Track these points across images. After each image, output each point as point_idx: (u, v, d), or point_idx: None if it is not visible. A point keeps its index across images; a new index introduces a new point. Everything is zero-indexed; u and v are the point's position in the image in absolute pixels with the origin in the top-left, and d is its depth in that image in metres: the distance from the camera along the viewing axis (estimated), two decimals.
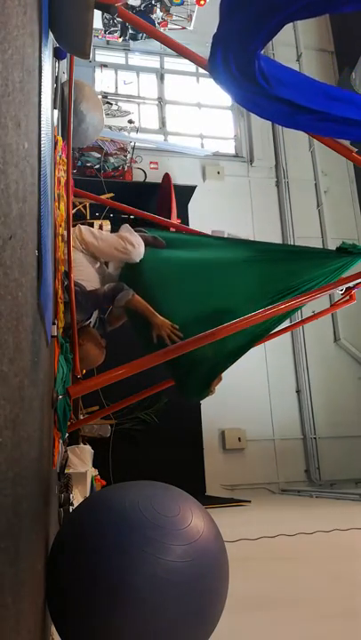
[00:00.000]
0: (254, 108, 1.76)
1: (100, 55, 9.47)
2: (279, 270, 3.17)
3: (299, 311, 7.64)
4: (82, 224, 3.72)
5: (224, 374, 3.17)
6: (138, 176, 8.29)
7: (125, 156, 8.00)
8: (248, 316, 2.93)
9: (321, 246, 8.82)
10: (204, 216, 8.34)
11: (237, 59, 1.47)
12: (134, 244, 2.98)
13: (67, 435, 3.18)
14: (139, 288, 3.02)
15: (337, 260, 3.15)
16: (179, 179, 8.15)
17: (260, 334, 3.12)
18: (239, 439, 8.08)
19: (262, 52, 1.54)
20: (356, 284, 3.28)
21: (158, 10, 7.99)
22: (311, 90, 1.69)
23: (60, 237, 2.63)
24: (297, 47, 10.29)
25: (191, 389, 3.21)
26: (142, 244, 3.05)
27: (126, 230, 3.11)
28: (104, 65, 9.41)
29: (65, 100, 3.22)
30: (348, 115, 1.69)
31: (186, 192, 8.11)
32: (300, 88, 1.66)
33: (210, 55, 1.52)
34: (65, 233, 2.75)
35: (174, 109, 9.95)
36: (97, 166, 7.81)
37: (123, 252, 3.00)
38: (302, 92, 1.65)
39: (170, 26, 8.25)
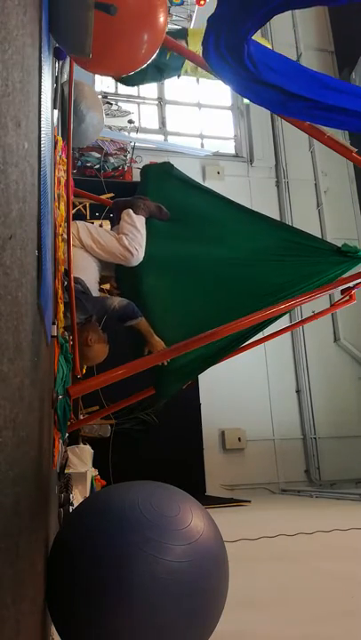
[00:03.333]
0: (247, 94, 1.77)
1: None
2: (275, 277, 3.15)
3: (299, 311, 7.68)
4: None
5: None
6: (138, 176, 8.26)
7: (125, 156, 8.00)
8: (248, 316, 2.94)
9: None
10: None
11: (228, 40, 1.47)
12: (132, 252, 3.01)
13: (67, 435, 3.19)
14: (133, 289, 3.06)
15: (335, 268, 3.15)
16: None
17: (240, 337, 3.13)
18: (239, 439, 8.08)
19: None
20: (356, 284, 3.28)
21: None
22: (305, 78, 1.68)
23: (60, 237, 2.63)
24: (297, 47, 10.29)
25: (166, 390, 3.23)
26: (142, 248, 3.05)
27: (128, 222, 3.10)
28: None
29: (65, 99, 3.22)
30: (344, 104, 1.68)
31: None
32: (292, 76, 1.65)
33: (203, 37, 1.52)
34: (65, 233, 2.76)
35: (174, 109, 9.95)
36: (97, 166, 7.81)
37: (121, 259, 3.03)
38: (294, 79, 1.64)
39: (170, 26, 8.24)
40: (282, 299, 3.05)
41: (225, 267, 3.21)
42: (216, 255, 3.22)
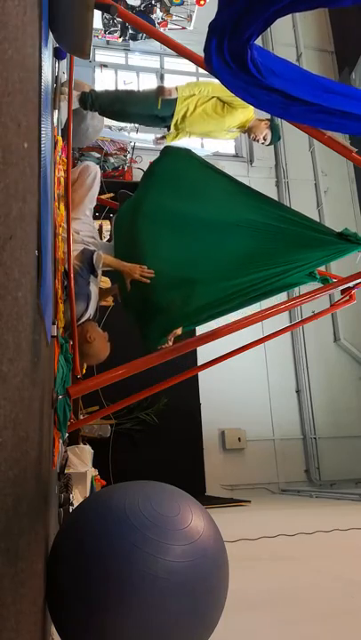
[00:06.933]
0: (249, 98, 1.76)
1: (100, 55, 9.47)
2: (271, 246, 3.11)
3: (299, 311, 7.66)
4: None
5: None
6: (138, 176, 8.26)
7: (125, 156, 8.00)
8: (248, 316, 2.94)
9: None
10: None
11: (231, 46, 1.46)
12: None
13: (67, 435, 3.18)
14: (127, 237, 3.10)
15: (334, 247, 3.09)
16: None
17: (233, 299, 3.07)
18: (239, 439, 8.09)
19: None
20: (356, 284, 3.28)
21: (158, 10, 7.98)
22: (307, 82, 1.68)
23: (59, 237, 2.63)
24: (297, 47, 10.29)
25: (151, 335, 3.21)
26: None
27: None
28: (104, 65, 9.41)
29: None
30: (346, 108, 1.68)
31: None
32: (295, 79, 1.65)
33: (205, 42, 1.51)
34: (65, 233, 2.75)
35: None
36: None
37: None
38: (297, 83, 1.63)
39: (170, 26, 8.24)
40: (276, 263, 2.99)
41: (223, 229, 3.18)
42: (215, 219, 3.22)
